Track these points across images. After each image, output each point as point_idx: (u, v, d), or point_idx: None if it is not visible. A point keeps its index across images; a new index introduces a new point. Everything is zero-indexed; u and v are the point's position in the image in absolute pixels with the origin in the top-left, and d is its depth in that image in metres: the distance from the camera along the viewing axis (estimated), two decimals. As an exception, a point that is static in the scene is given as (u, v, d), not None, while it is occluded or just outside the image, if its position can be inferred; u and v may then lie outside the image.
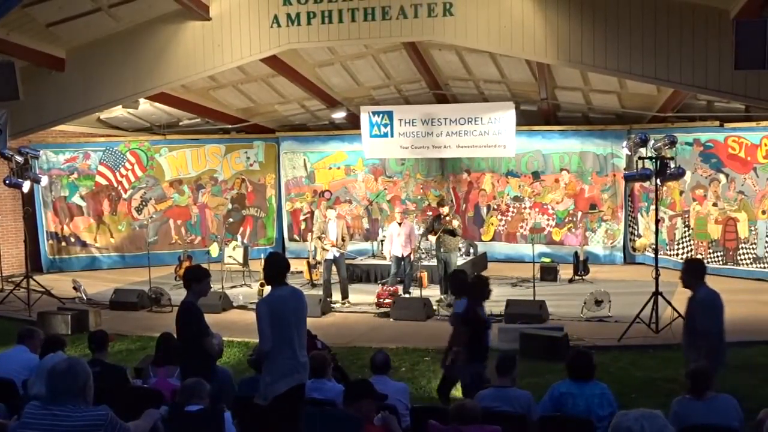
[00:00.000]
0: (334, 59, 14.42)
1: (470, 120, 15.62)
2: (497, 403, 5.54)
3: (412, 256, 12.98)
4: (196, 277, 6.22)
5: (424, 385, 8.52)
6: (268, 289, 5.98)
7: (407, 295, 12.73)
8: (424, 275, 13.40)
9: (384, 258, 14.28)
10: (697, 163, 14.64)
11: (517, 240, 16.80)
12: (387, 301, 11.95)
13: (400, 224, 13.15)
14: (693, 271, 6.66)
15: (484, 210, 17.12)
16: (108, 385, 5.53)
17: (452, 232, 12.46)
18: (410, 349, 9.91)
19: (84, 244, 16.89)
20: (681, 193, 15.04)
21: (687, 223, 15.00)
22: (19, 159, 12.67)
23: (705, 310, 6.50)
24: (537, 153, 16.55)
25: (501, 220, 16.98)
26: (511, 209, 16.89)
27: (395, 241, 13.07)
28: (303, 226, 17.84)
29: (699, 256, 14.73)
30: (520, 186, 16.78)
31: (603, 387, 5.56)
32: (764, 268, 13.82)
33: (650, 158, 10.43)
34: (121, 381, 6.28)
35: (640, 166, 10.72)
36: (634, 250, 16.12)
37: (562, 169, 16.43)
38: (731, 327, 10.48)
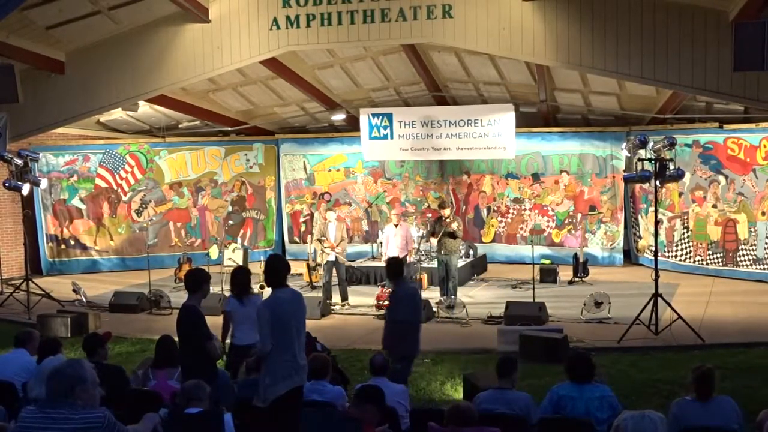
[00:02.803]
0: (334, 61, 14.43)
1: (470, 122, 15.63)
2: (496, 405, 5.54)
3: (408, 258, 12.97)
4: (197, 280, 6.23)
5: (424, 387, 8.51)
6: (267, 291, 5.98)
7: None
8: (424, 277, 13.41)
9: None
10: (697, 165, 14.65)
11: (517, 241, 16.81)
12: (387, 303, 11.92)
13: (396, 226, 13.15)
14: (392, 269, 7.64)
15: (484, 212, 17.13)
16: (108, 386, 5.52)
17: (452, 235, 12.45)
18: (410, 351, 9.90)
19: (84, 247, 16.89)
20: (680, 194, 15.05)
21: (686, 224, 15.01)
22: (19, 162, 12.67)
23: (407, 303, 7.25)
24: (536, 155, 16.57)
25: (501, 221, 16.99)
26: (511, 211, 16.90)
27: (391, 242, 13.06)
28: (303, 228, 17.86)
29: (698, 257, 14.76)
30: (519, 188, 16.79)
31: (603, 389, 5.54)
32: (764, 269, 13.82)
33: (649, 160, 10.43)
34: (121, 381, 6.26)
35: (639, 167, 10.72)
36: (638, 251, 16.15)
37: (561, 171, 16.44)
38: (731, 328, 10.61)
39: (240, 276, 7.44)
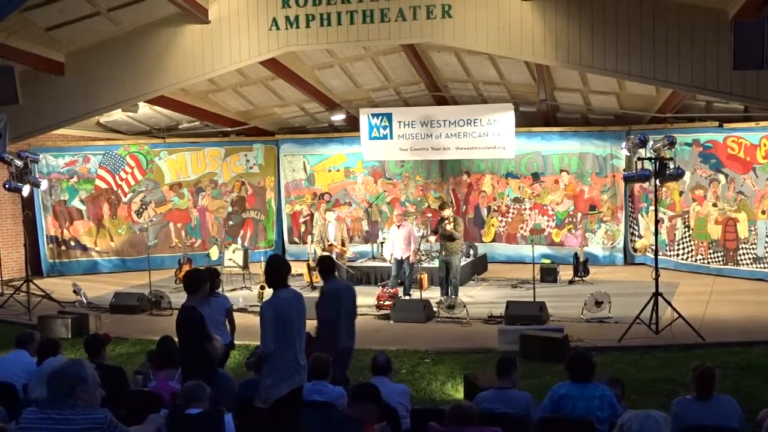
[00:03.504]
0: (333, 62, 14.43)
1: (469, 122, 15.63)
2: (497, 405, 5.55)
3: (411, 258, 12.98)
4: (196, 281, 6.24)
5: (424, 387, 8.52)
6: (268, 291, 5.99)
7: (407, 297, 12.74)
8: (425, 277, 13.41)
9: (384, 260, 14.30)
10: (697, 164, 14.65)
11: (518, 241, 16.81)
12: (387, 303, 11.96)
13: (399, 227, 13.17)
14: (320, 267, 7.81)
15: (484, 211, 17.13)
16: (109, 387, 5.52)
17: (450, 237, 12.44)
18: (410, 351, 9.92)
19: (84, 248, 16.88)
20: (680, 193, 15.05)
21: (687, 223, 15.01)
22: (19, 163, 12.67)
23: (330, 302, 7.34)
24: (536, 154, 16.56)
25: (501, 221, 16.99)
26: (511, 210, 16.89)
27: (396, 244, 13.09)
28: (303, 229, 17.86)
29: (699, 256, 14.77)
30: (520, 187, 16.79)
31: (604, 389, 5.54)
32: (764, 268, 13.81)
33: (649, 159, 10.43)
34: (121, 382, 6.26)
35: (639, 166, 10.72)
36: (635, 250, 16.13)
37: (561, 170, 16.44)
38: (732, 327, 10.61)
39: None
